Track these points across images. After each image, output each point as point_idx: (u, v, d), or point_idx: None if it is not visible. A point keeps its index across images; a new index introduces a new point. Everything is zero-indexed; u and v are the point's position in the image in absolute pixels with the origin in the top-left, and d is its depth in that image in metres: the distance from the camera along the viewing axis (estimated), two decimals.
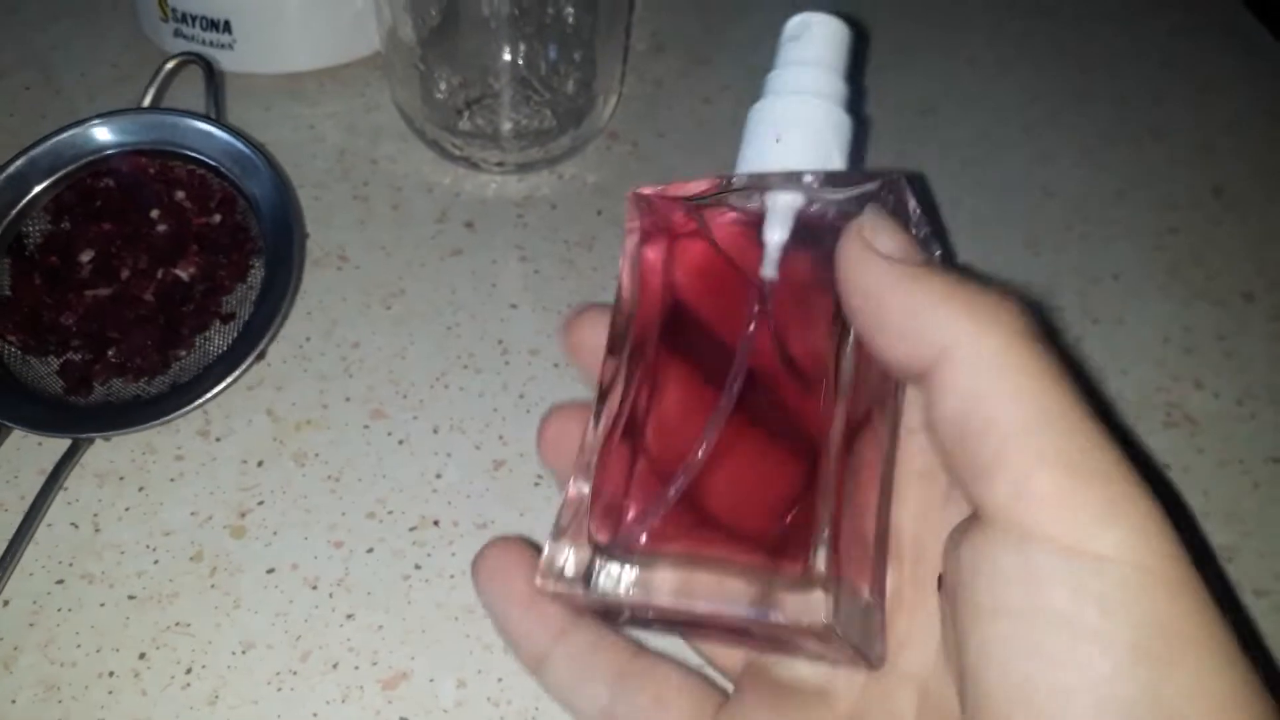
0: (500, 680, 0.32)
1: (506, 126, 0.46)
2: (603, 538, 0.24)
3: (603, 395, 0.25)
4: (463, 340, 0.41)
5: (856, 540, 0.22)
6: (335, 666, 0.33)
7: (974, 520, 0.20)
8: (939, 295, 0.20)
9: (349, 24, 0.49)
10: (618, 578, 0.23)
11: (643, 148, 0.48)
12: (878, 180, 0.23)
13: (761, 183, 0.25)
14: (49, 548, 0.35)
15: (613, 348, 0.26)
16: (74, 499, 0.36)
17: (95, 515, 0.36)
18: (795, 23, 0.27)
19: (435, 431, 0.38)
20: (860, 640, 0.22)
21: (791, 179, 0.24)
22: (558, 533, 0.25)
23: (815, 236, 0.24)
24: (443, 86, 0.46)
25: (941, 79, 0.52)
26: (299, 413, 0.38)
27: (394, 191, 0.46)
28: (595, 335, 0.27)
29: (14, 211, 0.40)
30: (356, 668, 0.33)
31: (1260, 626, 0.34)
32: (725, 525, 0.23)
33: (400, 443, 0.38)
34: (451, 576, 0.35)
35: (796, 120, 0.25)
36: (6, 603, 0.34)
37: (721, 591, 0.22)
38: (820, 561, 0.21)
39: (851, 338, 0.23)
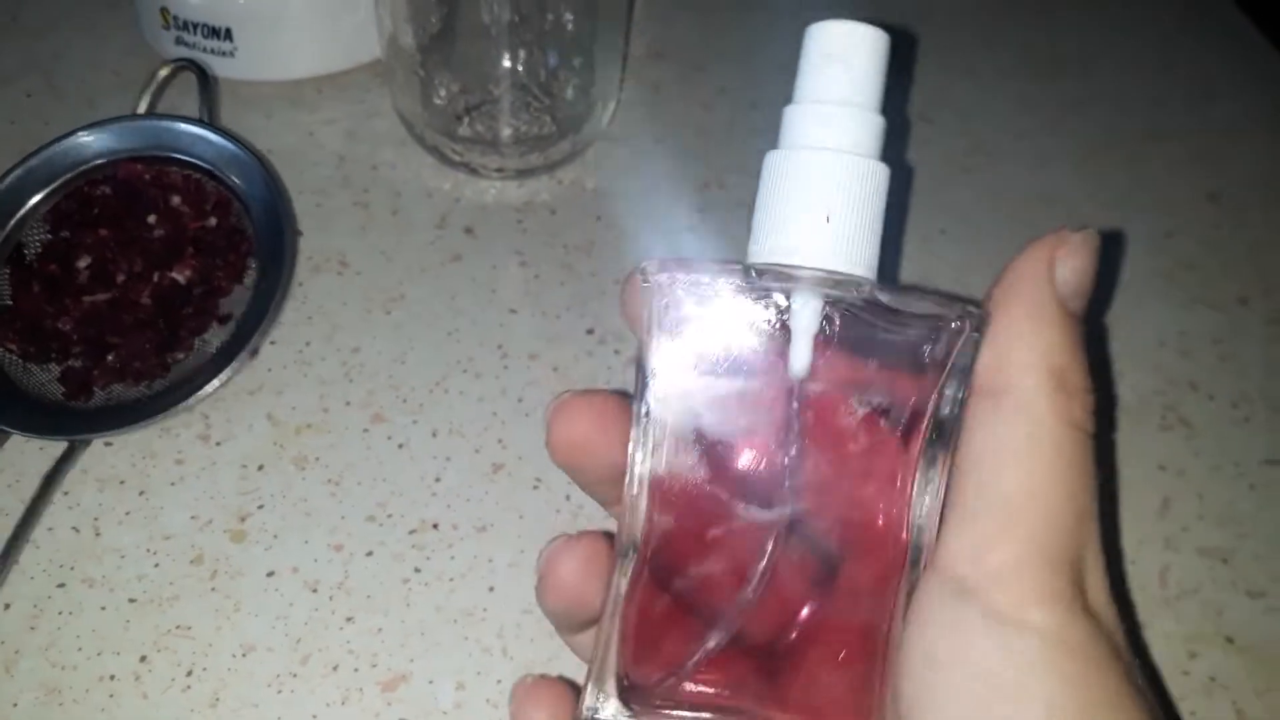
0: (499, 682, 0.33)
1: (506, 132, 0.46)
2: (638, 682, 0.22)
3: (628, 529, 0.23)
4: (462, 345, 0.41)
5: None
6: (335, 669, 0.33)
7: (930, 568, 0.21)
8: (1052, 343, 0.21)
9: (349, 31, 0.49)
10: None
11: (641, 153, 0.49)
12: (954, 314, 0.21)
13: (811, 281, 0.21)
14: (50, 551, 0.35)
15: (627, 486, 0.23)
16: (75, 503, 0.36)
17: (96, 519, 0.36)
18: (829, 36, 0.21)
19: (435, 435, 0.38)
20: None
21: (848, 285, 0.21)
22: (591, 683, 0.23)
23: (855, 343, 0.21)
24: (442, 93, 0.46)
25: (939, 87, 0.53)
26: (299, 417, 0.39)
27: (394, 197, 0.46)
28: (583, 428, 0.24)
29: (12, 222, 0.40)
30: (356, 670, 0.33)
31: (1257, 627, 0.34)
32: (768, 678, 0.22)
33: (400, 446, 0.38)
34: (450, 580, 0.35)
35: (848, 193, 0.21)
36: (7, 606, 0.34)
37: None
38: None
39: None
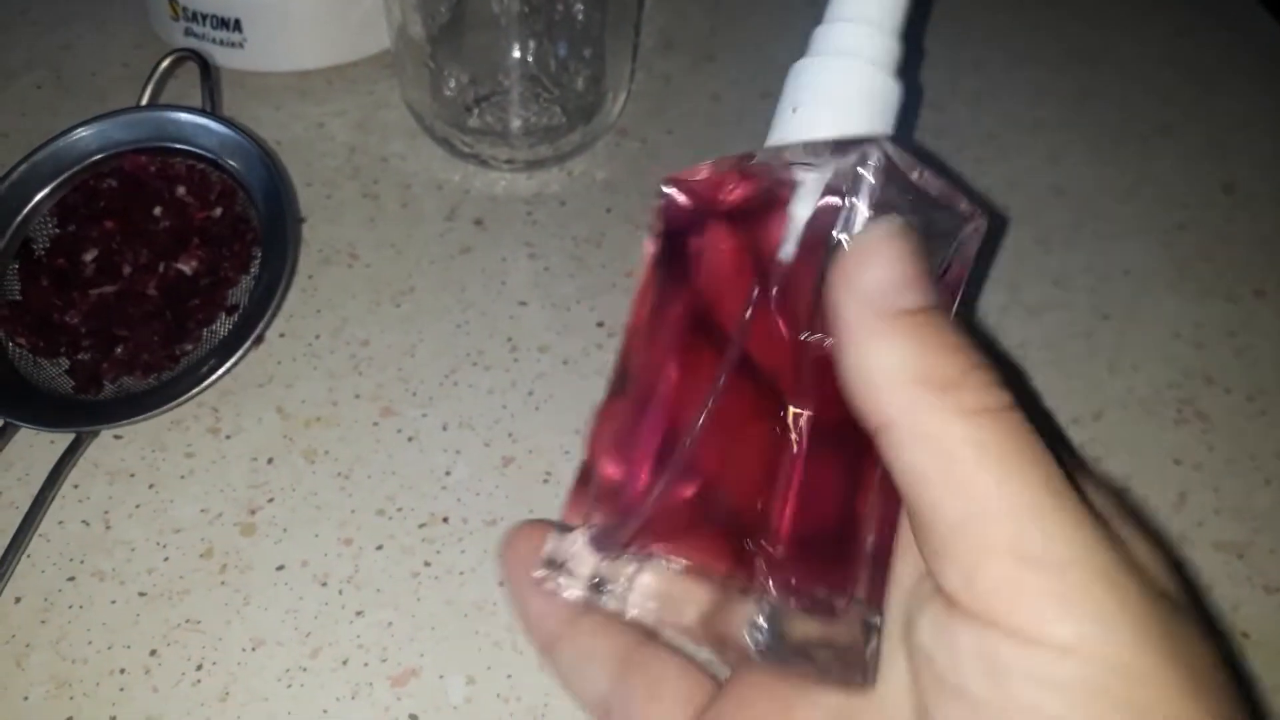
0: (509, 677, 0.32)
1: (516, 124, 0.46)
2: (598, 520, 0.23)
3: (619, 378, 0.24)
4: (472, 337, 0.41)
5: (847, 549, 0.21)
6: (345, 663, 0.33)
7: (937, 592, 0.19)
8: (898, 355, 0.19)
9: (358, 22, 0.49)
10: (608, 577, 0.23)
11: (652, 144, 0.48)
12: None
13: (776, 157, 0.22)
14: (60, 545, 0.35)
15: (631, 339, 0.25)
16: (85, 496, 0.36)
17: (106, 512, 0.36)
18: None
19: (444, 429, 0.38)
20: (857, 659, 0.21)
21: (811, 150, 0.22)
22: (561, 519, 0.24)
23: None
24: (452, 84, 0.46)
25: (950, 78, 0.52)
26: (309, 410, 0.38)
27: (403, 189, 0.46)
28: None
29: (19, 217, 0.40)
30: (366, 664, 0.33)
31: (1273, 622, 0.34)
32: (720, 522, 0.22)
33: (410, 440, 0.38)
34: (461, 573, 0.35)
35: (822, 87, 0.22)
36: (18, 599, 0.34)
37: (694, 597, 0.22)
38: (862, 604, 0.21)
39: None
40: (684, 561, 0.23)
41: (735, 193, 0.23)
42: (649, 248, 0.25)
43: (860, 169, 0.20)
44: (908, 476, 0.19)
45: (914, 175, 0.21)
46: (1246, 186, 0.48)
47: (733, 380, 0.22)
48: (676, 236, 0.24)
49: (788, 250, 0.22)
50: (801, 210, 0.21)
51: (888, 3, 0.23)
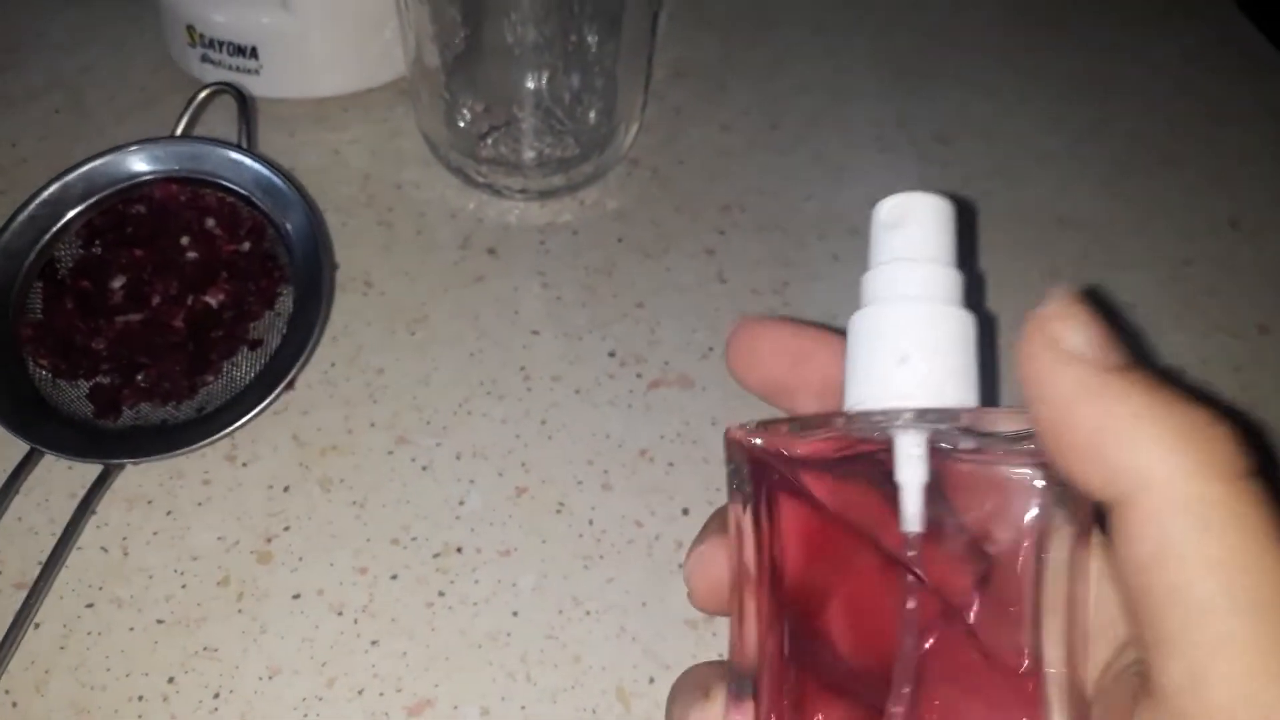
0: (524, 709, 0.33)
1: (529, 154, 0.47)
2: None
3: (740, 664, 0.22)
4: (485, 366, 0.41)
5: None
6: (360, 693, 0.33)
7: (1149, 693, 0.17)
8: (1135, 413, 0.17)
9: (373, 51, 0.50)
10: None
11: (663, 174, 0.49)
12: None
13: (888, 421, 0.20)
14: (79, 571, 0.35)
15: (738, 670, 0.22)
16: (103, 523, 0.37)
17: (124, 539, 0.36)
18: (891, 206, 0.22)
19: (458, 458, 0.39)
20: None
21: (933, 416, 0.20)
22: None
23: (955, 485, 0.20)
24: (466, 113, 0.46)
25: (958, 109, 0.53)
26: (324, 438, 0.39)
27: (418, 217, 0.46)
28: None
29: (47, 236, 0.40)
30: (381, 694, 0.33)
31: None
32: None
33: (424, 469, 0.38)
34: (474, 604, 0.35)
35: (922, 335, 0.21)
36: (38, 626, 0.34)
37: None
38: None
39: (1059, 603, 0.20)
40: None
41: (820, 450, 0.21)
42: (738, 514, 0.22)
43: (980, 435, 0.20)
44: (1153, 555, 0.17)
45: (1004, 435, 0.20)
46: (1253, 221, 0.49)
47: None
48: (764, 497, 0.22)
49: (912, 520, 0.20)
50: (912, 477, 0.20)
51: (945, 235, 0.22)
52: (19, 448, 0.37)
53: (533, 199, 0.47)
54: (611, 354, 0.42)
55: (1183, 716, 0.16)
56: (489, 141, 0.47)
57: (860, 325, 0.22)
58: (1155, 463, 0.17)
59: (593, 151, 0.47)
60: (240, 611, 0.35)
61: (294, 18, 0.47)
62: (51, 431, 0.37)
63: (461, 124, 0.46)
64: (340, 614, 0.35)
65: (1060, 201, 0.49)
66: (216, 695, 0.33)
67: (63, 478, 0.37)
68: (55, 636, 0.34)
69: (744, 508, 0.22)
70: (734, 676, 0.22)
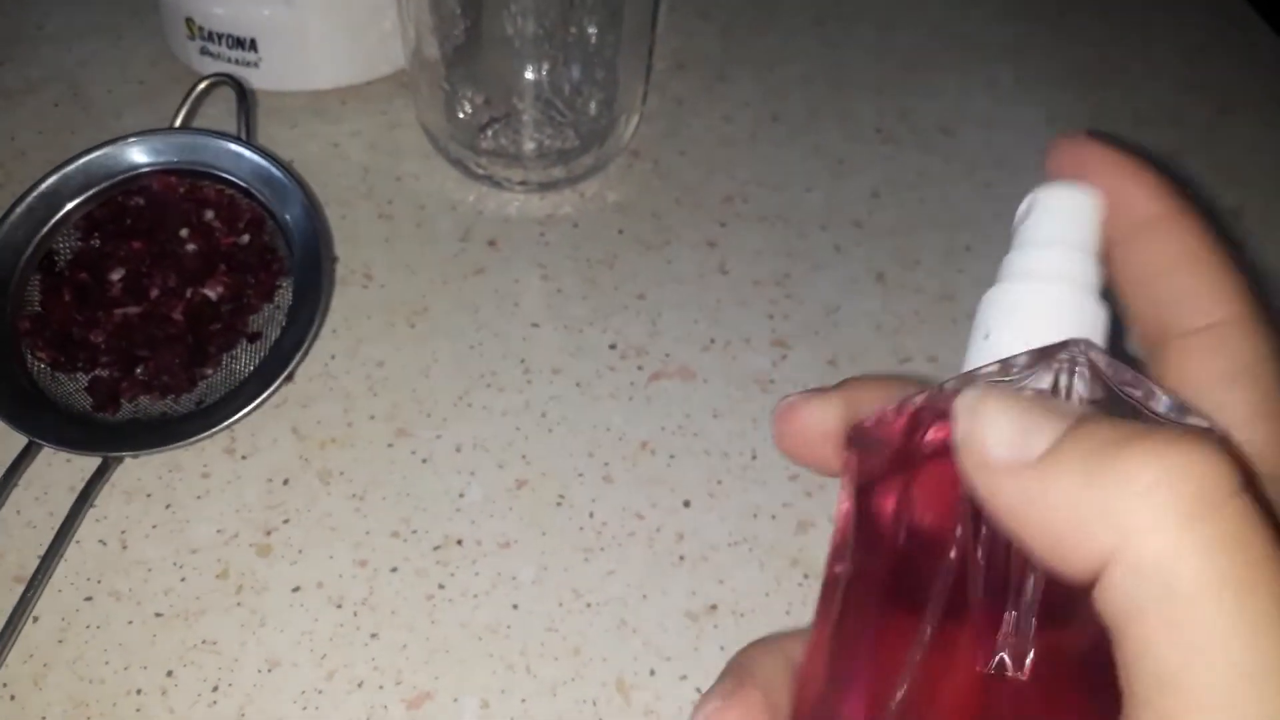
0: (523, 701, 0.33)
1: (529, 146, 0.46)
2: None
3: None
4: (485, 359, 0.41)
5: None
6: (360, 685, 0.33)
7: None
8: (1081, 486, 0.16)
9: (373, 43, 0.49)
10: None
11: (664, 166, 0.49)
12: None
13: (968, 380, 0.19)
14: (77, 565, 0.35)
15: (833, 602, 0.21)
16: (102, 516, 0.36)
17: (123, 532, 0.36)
18: (1028, 200, 0.22)
19: (458, 450, 0.39)
20: None
21: (1007, 367, 0.19)
22: None
23: None
24: (466, 105, 0.46)
25: (961, 100, 0.53)
26: (324, 431, 0.39)
27: (418, 210, 0.46)
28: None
29: (45, 228, 0.40)
30: (381, 687, 0.33)
31: None
32: None
33: (424, 461, 0.38)
34: (475, 596, 0.35)
35: (1012, 311, 0.20)
36: (36, 619, 0.34)
37: None
38: None
39: None
40: None
41: (929, 432, 0.20)
42: (844, 505, 0.22)
43: (1067, 372, 0.18)
44: (1134, 645, 0.15)
45: (1125, 381, 0.18)
46: (1256, 211, 0.48)
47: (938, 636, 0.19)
48: (872, 487, 0.21)
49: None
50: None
51: (1084, 222, 0.21)
52: (17, 440, 0.37)
53: (533, 191, 0.46)
54: (612, 346, 0.42)
55: None
56: (489, 133, 0.46)
57: (988, 301, 0.21)
58: (1117, 532, 0.15)
59: (593, 143, 0.46)
60: (239, 604, 0.35)
61: (293, 10, 0.47)
62: (50, 424, 0.37)
63: (461, 116, 0.46)
64: (340, 607, 0.35)
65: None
66: (215, 688, 0.33)
67: (61, 471, 0.37)
68: (54, 630, 0.34)
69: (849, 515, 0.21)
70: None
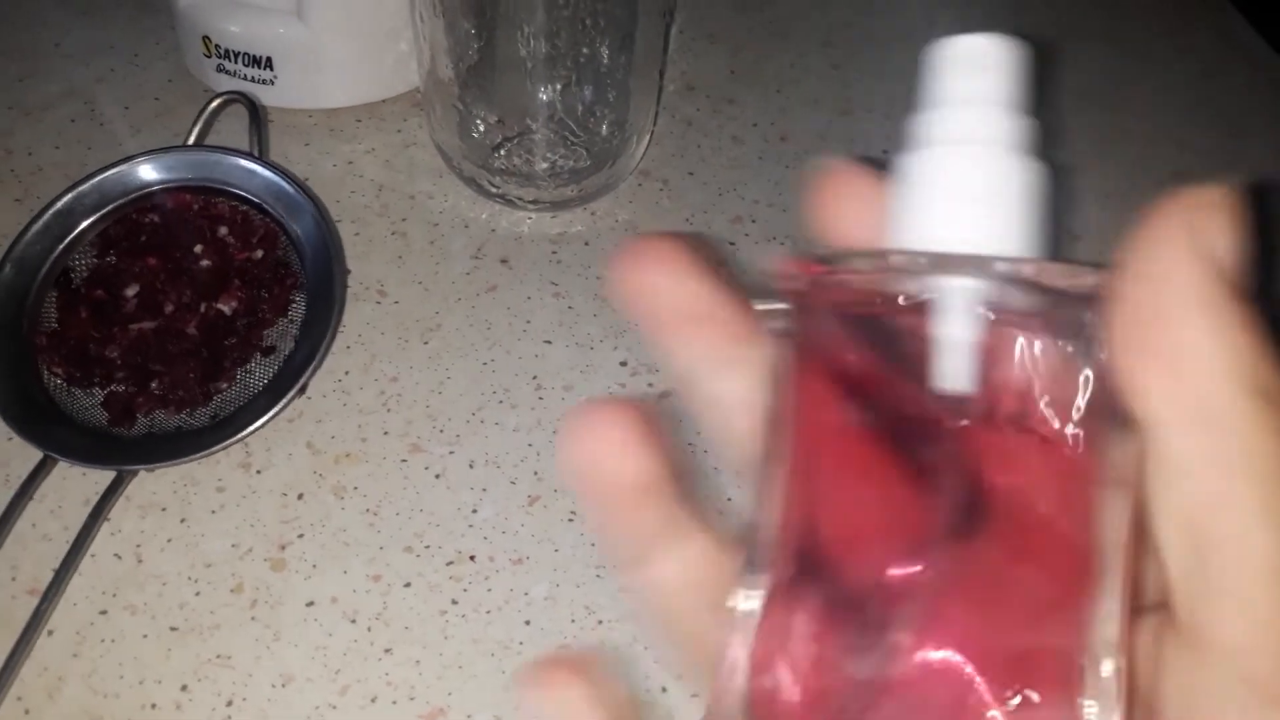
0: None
1: (542, 165, 0.47)
2: None
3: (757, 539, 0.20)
4: (498, 375, 0.42)
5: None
6: (374, 700, 0.33)
7: (1193, 642, 0.17)
8: (1235, 350, 0.16)
9: (387, 62, 0.50)
10: None
11: (674, 185, 0.49)
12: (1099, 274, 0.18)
13: (945, 264, 0.19)
14: (93, 578, 0.35)
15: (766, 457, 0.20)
16: (117, 529, 0.37)
17: (138, 546, 0.36)
18: (957, 47, 0.20)
19: (471, 466, 0.39)
20: None
21: (988, 265, 0.18)
22: None
23: (1007, 343, 0.19)
24: (480, 125, 0.47)
25: None
26: (338, 446, 0.39)
27: (431, 227, 0.46)
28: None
29: (61, 246, 0.41)
30: (394, 702, 0.33)
31: None
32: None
33: (437, 477, 0.38)
34: (488, 612, 0.35)
35: (983, 181, 0.19)
36: (51, 632, 0.34)
37: None
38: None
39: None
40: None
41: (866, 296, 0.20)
42: (785, 360, 0.20)
43: (997, 283, 0.18)
44: (1214, 496, 0.16)
45: (1041, 276, 0.18)
46: (1263, 236, 0.49)
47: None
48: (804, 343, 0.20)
49: (957, 377, 0.18)
50: (955, 332, 0.18)
51: (1017, 79, 0.20)
52: (33, 454, 0.37)
53: (545, 210, 0.47)
54: (623, 364, 0.42)
55: (1240, 676, 0.16)
56: (502, 153, 0.47)
57: (914, 168, 0.20)
58: (1240, 409, 0.15)
59: (604, 163, 0.47)
60: (254, 619, 0.35)
61: (309, 29, 0.48)
62: (65, 438, 0.37)
63: (475, 135, 0.47)
64: (354, 622, 0.35)
65: (1069, 216, 0.49)
66: (230, 703, 0.33)
67: (77, 484, 0.37)
68: (68, 643, 0.34)
69: (784, 362, 0.20)
70: (750, 549, 0.19)
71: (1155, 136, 0.53)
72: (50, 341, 0.39)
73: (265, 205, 0.41)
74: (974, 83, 0.20)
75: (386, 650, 0.34)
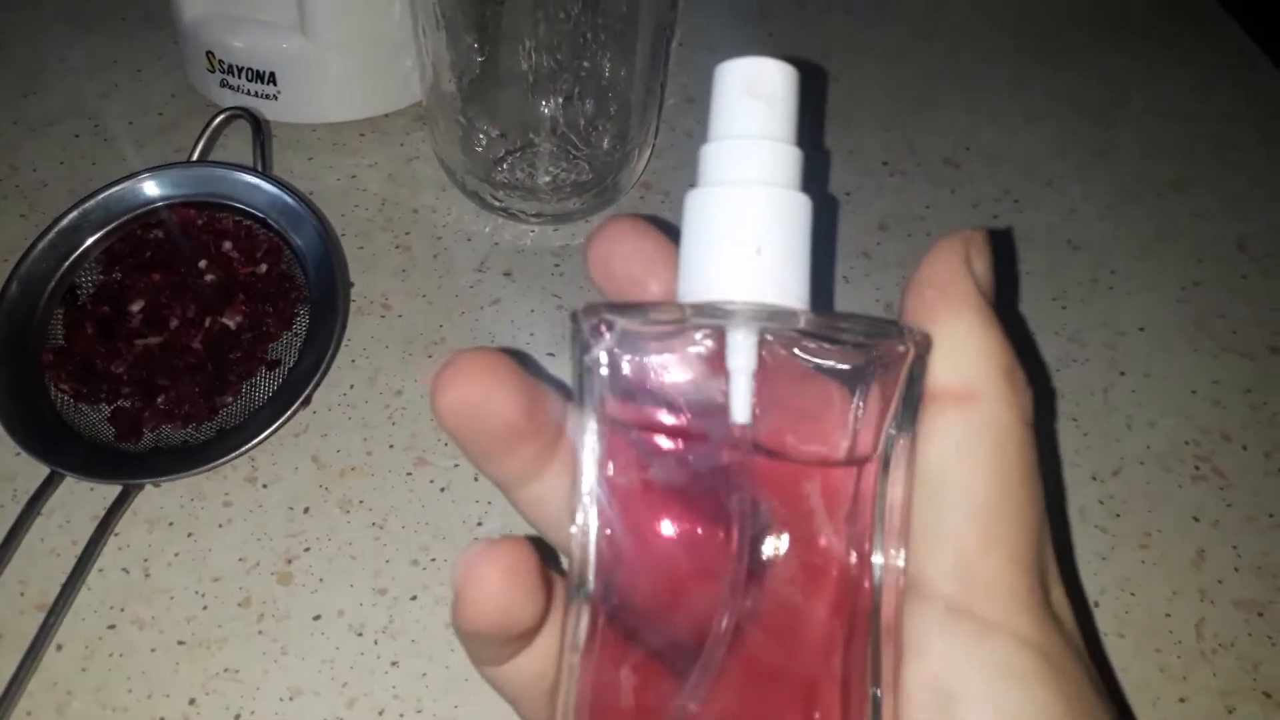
0: None
1: (544, 179, 0.47)
2: None
3: (577, 570, 0.21)
4: None
5: None
6: (381, 713, 0.33)
7: (913, 595, 0.21)
8: (992, 343, 0.21)
9: (390, 77, 0.50)
10: None
11: (675, 198, 0.49)
12: (897, 338, 0.20)
13: (722, 314, 0.20)
14: (101, 592, 0.36)
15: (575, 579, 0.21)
16: (125, 544, 0.37)
17: (146, 560, 0.36)
18: (736, 72, 0.22)
19: (476, 479, 0.39)
20: None
21: (782, 317, 0.20)
22: None
23: (786, 377, 0.21)
24: (482, 139, 0.47)
25: (966, 132, 0.53)
26: (344, 460, 0.39)
27: (434, 241, 0.47)
28: (475, 388, 0.22)
29: (67, 263, 0.41)
30: (402, 715, 0.33)
31: None
32: None
33: (442, 490, 0.39)
34: None
35: (759, 223, 0.20)
36: (59, 647, 0.34)
37: None
38: None
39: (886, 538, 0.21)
40: None
41: (665, 342, 0.21)
42: (581, 415, 0.21)
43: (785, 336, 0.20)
44: (956, 452, 0.20)
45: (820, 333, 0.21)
46: (1261, 243, 0.49)
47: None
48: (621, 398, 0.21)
49: (740, 410, 0.20)
50: (736, 366, 0.20)
51: (787, 109, 0.21)
52: (40, 470, 0.37)
53: (547, 223, 0.47)
54: None
55: (940, 598, 0.20)
56: (504, 166, 0.47)
57: (695, 206, 0.21)
58: (992, 386, 0.20)
59: (606, 176, 0.47)
60: (261, 633, 0.35)
61: (312, 44, 0.48)
62: (71, 453, 0.37)
63: (478, 149, 0.47)
64: (360, 635, 0.35)
65: (1068, 225, 0.49)
66: (237, 716, 0.33)
67: (84, 499, 0.38)
68: (77, 657, 0.34)
69: (588, 410, 0.21)
70: (573, 580, 0.21)
71: (1153, 148, 0.53)
72: (57, 358, 0.39)
73: (269, 220, 0.42)
74: (747, 116, 0.21)
75: (393, 663, 0.34)
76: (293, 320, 0.41)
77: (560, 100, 0.47)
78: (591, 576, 0.21)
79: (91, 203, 0.41)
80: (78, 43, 0.55)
